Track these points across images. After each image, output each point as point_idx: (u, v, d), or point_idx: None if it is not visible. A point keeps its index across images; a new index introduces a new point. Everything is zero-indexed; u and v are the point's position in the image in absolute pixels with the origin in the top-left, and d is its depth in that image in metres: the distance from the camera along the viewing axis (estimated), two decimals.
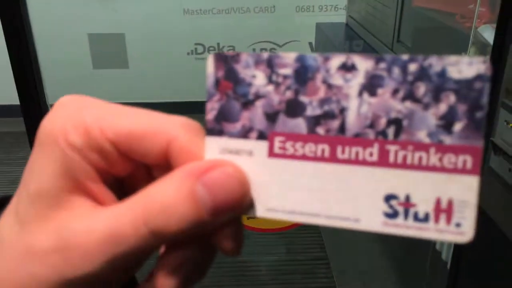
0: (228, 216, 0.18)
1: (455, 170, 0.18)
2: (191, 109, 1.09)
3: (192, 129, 0.20)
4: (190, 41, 2.80)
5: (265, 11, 2.73)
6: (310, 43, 2.74)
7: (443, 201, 0.18)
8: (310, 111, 0.19)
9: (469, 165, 0.18)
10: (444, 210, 0.18)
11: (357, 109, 0.19)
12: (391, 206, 0.19)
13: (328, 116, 0.19)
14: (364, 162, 0.19)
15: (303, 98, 0.19)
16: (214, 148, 0.20)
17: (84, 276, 0.18)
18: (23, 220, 0.19)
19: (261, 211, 0.20)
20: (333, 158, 0.19)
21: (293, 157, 0.20)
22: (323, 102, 0.19)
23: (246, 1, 2.69)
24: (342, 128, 0.19)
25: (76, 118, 0.19)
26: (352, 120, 0.19)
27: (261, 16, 2.72)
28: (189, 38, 2.79)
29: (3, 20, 0.79)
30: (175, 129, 0.19)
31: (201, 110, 0.21)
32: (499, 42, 0.76)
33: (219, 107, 0.20)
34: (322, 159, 0.19)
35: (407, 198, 0.19)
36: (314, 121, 0.19)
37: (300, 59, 0.19)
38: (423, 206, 0.18)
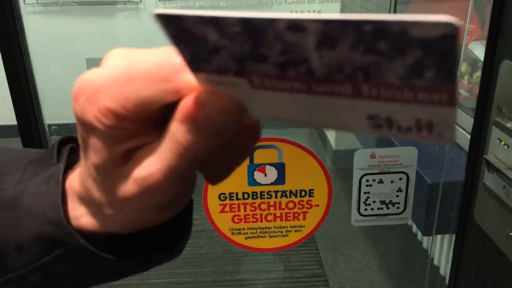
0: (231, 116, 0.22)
1: (431, 104, 0.17)
2: None
3: (179, 67, 0.22)
4: None
5: None
6: None
7: (423, 121, 0.18)
8: (274, 59, 0.18)
9: (445, 100, 0.17)
10: (425, 125, 0.18)
11: (319, 59, 0.18)
12: (375, 121, 0.19)
13: (293, 62, 0.18)
14: (340, 95, 0.19)
15: (262, 50, 0.18)
16: (203, 80, 0.21)
17: None
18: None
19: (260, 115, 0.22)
20: (310, 91, 0.19)
21: (273, 89, 0.20)
22: (283, 53, 0.18)
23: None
24: (310, 71, 0.18)
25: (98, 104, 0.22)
26: (317, 66, 0.18)
27: None
28: None
29: (1, 43, 0.80)
30: (175, 78, 0.22)
31: None
32: (489, 60, 0.76)
33: (190, 52, 0.20)
34: (300, 91, 0.19)
35: (389, 118, 0.19)
36: (281, 66, 0.18)
37: (246, 21, 0.18)
38: (405, 123, 0.19)
